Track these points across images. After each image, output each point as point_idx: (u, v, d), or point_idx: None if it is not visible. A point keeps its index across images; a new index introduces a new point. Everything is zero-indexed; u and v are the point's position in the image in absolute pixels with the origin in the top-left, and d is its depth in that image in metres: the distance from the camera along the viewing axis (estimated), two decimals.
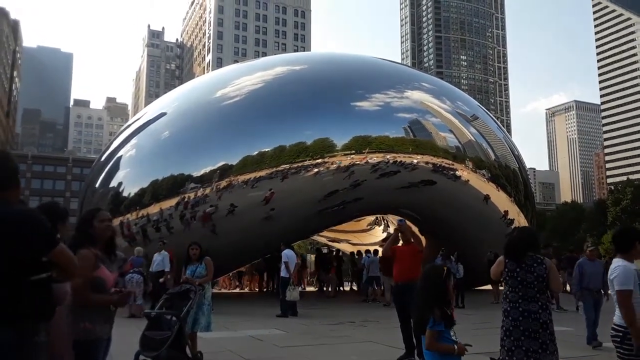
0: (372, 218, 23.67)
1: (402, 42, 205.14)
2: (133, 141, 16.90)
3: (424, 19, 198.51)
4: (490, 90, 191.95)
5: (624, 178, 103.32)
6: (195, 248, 7.75)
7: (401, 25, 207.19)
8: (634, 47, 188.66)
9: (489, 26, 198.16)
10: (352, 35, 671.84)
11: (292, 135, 16.14)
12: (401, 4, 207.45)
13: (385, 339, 9.24)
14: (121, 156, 16.62)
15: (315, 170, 16.03)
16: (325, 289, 21.51)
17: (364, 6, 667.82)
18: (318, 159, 16.01)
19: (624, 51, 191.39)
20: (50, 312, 2.69)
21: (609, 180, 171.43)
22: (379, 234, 24.71)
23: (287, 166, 15.66)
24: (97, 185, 16.72)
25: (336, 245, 26.94)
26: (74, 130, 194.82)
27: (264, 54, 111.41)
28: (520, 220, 19.68)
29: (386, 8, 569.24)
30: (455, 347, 3.83)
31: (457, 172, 18.08)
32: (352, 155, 16.30)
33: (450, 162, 17.89)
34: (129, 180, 15.81)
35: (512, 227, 19.57)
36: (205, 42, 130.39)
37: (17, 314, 2.49)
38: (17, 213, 2.57)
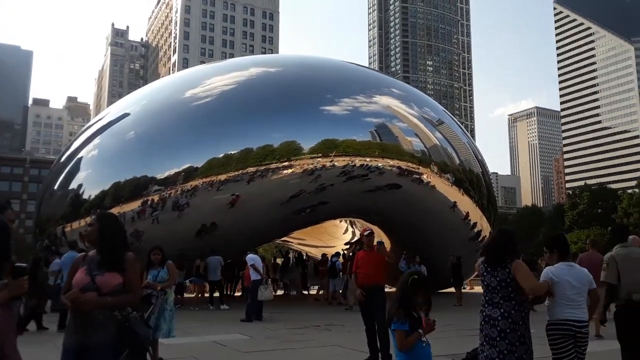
0: (338, 221, 23.72)
1: (369, 46, 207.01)
2: (95, 141, 16.47)
3: (392, 24, 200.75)
4: (455, 95, 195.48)
5: (583, 183, 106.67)
6: (157, 253, 7.58)
7: (369, 30, 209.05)
8: (593, 56, 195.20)
9: (455, 32, 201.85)
10: (320, 38, 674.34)
11: (259, 138, 16.00)
12: (369, 8, 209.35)
13: (350, 342, 9.23)
14: (82, 157, 16.17)
15: (282, 173, 15.95)
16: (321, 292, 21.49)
17: (333, 10, 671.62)
18: (285, 161, 15.93)
19: (583, 59, 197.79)
20: None
21: (568, 185, 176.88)
22: (345, 237, 24.80)
23: (253, 169, 15.54)
24: (55, 187, 16.23)
25: (302, 248, 26.88)
26: (33, 130, 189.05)
27: (231, 55, 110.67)
28: (483, 224, 20.04)
29: (354, 12, 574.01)
30: (420, 331, 3.85)
31: (422, 176, 18.28)
32: (319, 159, 16.29)
33: (416, 166, 18.07)
34: (89, 182, 15.40)
35: (475, 230, 19.93)
36: (171, 42, 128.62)
37: None
38: None
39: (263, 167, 15.65)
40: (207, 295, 17.42)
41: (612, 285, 5.44)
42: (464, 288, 21.03)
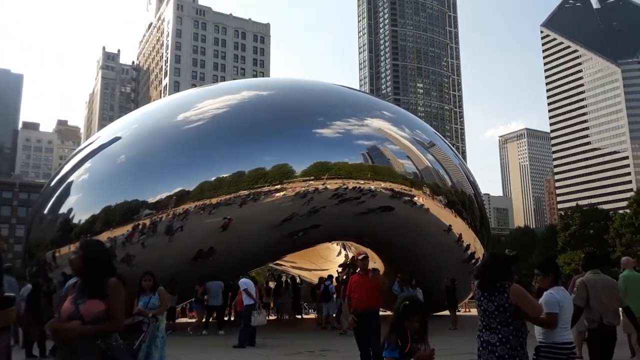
0: (331, 244, 23.59)
1: (360, 69, 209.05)
2: (86, 165, 16.32)
3: (382, 47, 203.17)
4: (446, 117, 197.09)
5: (574, 203, 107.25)
6: (149, 279, 7.47)
7: (359, 53, 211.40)
8: (580, 78, 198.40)
9: (444, 55, 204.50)
10: (311, 61, 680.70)
11: (250, 161, 15.95)
12: (359, 31, 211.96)
13: None
14: (72, 181, 15.99)
15: (274, 196, 15.88)
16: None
17: (323, 33, 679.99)
18: (277, 184, 15.87)
19: (571, 81, 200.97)
20: None
21: (560, 206, 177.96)
22: (338, 259, 24.64)
23: (245, 192, 15.45)
24: (45, 211, 16.01)
25: (296, 272, 26.65)
26: (22, 153, 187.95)
27: (223, 79, 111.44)
28: (476, 245, 20.00)
29: (345, 36, 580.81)
30: None
31: (414, 198, 18.27)
32: (311, 182, 16.26)
33: (408, 188, 18.07)
34: (80, 206, 15.21)
35: (469, 252, 19.88)
36: (162, 66, 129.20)
37: None
38: None
39: (255, 191, 15.56)
40: (203, 320, 17.17)
41: (579, 307, 6.06)
42: (459, 311, 20.86)
